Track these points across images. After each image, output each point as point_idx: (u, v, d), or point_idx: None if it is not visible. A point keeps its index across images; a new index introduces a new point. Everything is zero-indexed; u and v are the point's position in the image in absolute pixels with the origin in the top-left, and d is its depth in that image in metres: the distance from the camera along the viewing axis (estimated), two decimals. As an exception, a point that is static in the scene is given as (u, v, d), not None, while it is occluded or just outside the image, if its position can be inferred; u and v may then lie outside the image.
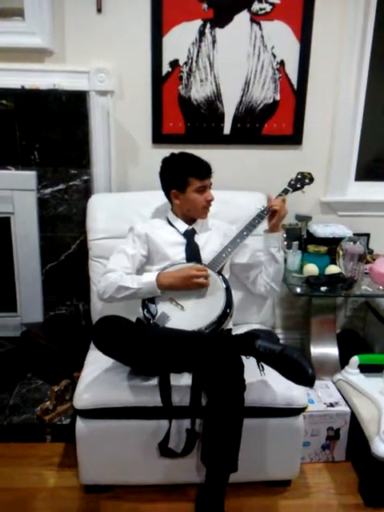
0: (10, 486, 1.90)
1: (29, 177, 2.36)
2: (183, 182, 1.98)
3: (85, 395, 1.76)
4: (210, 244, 2.05)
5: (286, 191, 2.10)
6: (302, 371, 1.59)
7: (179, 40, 2.34)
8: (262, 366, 1.70)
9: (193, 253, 2.01)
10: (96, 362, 1.89)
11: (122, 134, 2.43)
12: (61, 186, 2.38)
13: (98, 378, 1.82)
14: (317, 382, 2.14)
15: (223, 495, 1.70)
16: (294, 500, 1.88)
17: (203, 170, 1.98)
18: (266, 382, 1.78)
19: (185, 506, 1.81)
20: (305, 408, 1.81)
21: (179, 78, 2.39)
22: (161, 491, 1.87)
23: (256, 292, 2.15)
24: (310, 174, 2.17)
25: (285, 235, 2.43)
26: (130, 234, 2.06)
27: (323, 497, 1.90)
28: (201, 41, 2.35)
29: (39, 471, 1.97)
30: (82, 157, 2.35)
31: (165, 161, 2.06)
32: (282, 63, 2.40)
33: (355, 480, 1.97)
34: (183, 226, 2.07)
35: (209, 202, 2.02)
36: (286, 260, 2.33)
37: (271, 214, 1.99)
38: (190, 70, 2.38)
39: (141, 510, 1.81)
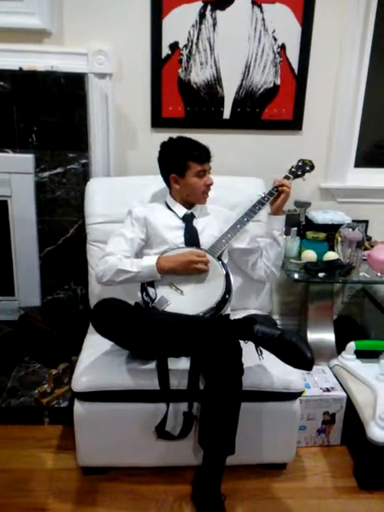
0: (7, 468, 1.91)
1: (26, 160, 2.33)
2: (182, 166, 1.96)
3: (83, 378, 1.76)
4: (208, 229, 2.04)
5: (286, 178, 2.10)
6: (300, 355, 1.60)
7: (179, 22, 2.31)
8: (261, 351, 1.70)
9: (191, 237, 2.01)
10: (94, 346, 1.89)
11: (120, 117, 2.41)
12: (59, 170, 2.36)
13: (96, 361, 1.82)
14: (313, 367, 2.18)
15: (220, 477, 1.72)
16: (290, 483, 1.90)
17: (203, 154, 1.97)
18: (263, 367, 1.78)
19: (182, 488, 1.83)
20: (301, 392, 1.82)
21: (179, 61, 2.36)
22: (158, 473, 1.89)
23: (255, 277, 2.15)
24: (310, 161, 2.17)
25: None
26: (128, 217, 2.04)
27: (318, 480, 1.93)
28: (201, 23, 2.32)
29: (37, 453, 1.98)
30: (80, 140, 2.33)
31: (163, 145, 2.04)
32: (282, 47, 2.37)
33: (350, 464, 1.99)
34: (182, 211, 2.06)
35: (208, 187, 2.01)
36: (284, 246, 2.34)
37: (277, 195, 1.99)
38: (190, 52, 2.35)
39: (138, 492, 1.83)
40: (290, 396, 1.80)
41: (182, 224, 2.03)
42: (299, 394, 1.81)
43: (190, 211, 2.06)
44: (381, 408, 1.85)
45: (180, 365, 1.77)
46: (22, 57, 2.24)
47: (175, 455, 1.84)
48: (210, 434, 1.68)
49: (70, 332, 2.27)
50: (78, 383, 1.76)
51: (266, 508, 1.79)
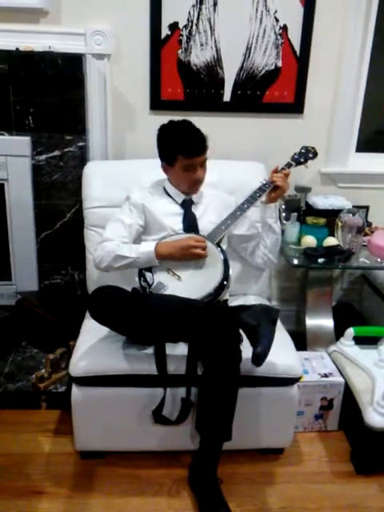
0: (5, 452, 1.92)
1: (23, 142, 2.30)
2: (171, 157, 1.91)
3: (81, 363, 1.76)
4: (207, 214, 2.02)
5: (289, 165, 2.06)
6: (255, 347, 1.61)
7: (179, 2, 2.26)
8: (242, 337, 1.71)
9: (190, 223, 1.98)
10: (91, 331, 1.88)
11: (118, 99, 2.37)
12: (56, 153, 2.33)
13: (94, 346, 1.82)
14: (311, 353, 2.20)
15: (217, 462, 1.73)
16: (287, 467, 1.91)
17: (194, 148, 1.87)
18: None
19: (179, 472, 1.84)
20: (299, 378, 1.82)
21: (178, 42, 2.32)
22: (155, 458, 1.89)
23: (254, 264, 2.14)
24: (313, 148, 2.13)
25: (283, 206, 2.41)
26: (126, 203, 2.02)
27: (315, 465, 1.93)
28: (201, 3, 2.27)
29: (34, 437, 1.99)
30: (77, 122, 2.30)
31: (160, 129, 1.97)
32: (284, 28, 2.32)
33: (347, 449, 1.99)
34: (180, 196, 2.03)
35: (196, 181, 1.95)
36: (284, 232, 2.33)
37: (273, 187, 1.96)
38: (190, 33, 2.31)
39: (135, 476, 1.84)
40: (288, 381, 1.80)
41: (180, 210, 2.01)
42: (297, 379, 1.81)
43: (188, 197, 2.03)
44: (379, 394, 1.85)
45: (178, 350, 1.77)
46: (18, 37, 2.20)
47: (172, 440, 1.85)
48: (207, 419, 1.68)
49: (68, 317, 2.27)
50: (75, 368, 1.75)
51: (263, 492, 1.79)
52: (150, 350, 1.77)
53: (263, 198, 1.99)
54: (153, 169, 2.13)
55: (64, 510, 1.70)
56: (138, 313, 1.71)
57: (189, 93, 2.39)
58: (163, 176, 2.08)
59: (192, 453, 1.82)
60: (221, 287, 1.81)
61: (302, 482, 1.85)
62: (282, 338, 1.90)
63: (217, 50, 2.34)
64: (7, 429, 2.02)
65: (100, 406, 1.79)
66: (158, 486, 1.80)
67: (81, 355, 1.78)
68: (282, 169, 2.03)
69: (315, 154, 2.13)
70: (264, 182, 2.00)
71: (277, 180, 1.95)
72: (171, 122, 1.96)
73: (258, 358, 1.60)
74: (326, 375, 2.03)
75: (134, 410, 1.79)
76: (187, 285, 1.83)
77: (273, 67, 2.38)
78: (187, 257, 1.85)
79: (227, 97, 2.41)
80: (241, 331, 1.70)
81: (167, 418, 1.76)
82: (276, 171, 2.00)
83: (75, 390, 1.77)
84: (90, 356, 1.78)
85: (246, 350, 1.68)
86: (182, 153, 1.87)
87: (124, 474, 1.84)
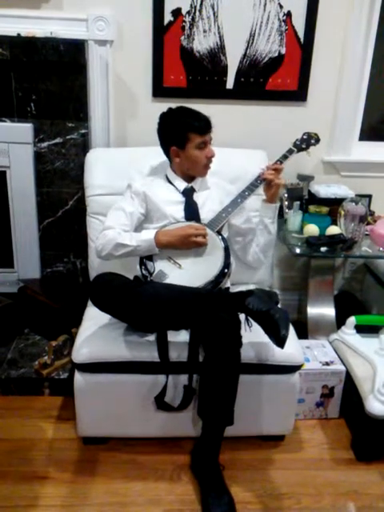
0: (8, 437, 1.94)
1: (25, 129, 2.29)
2: (183, 138, 1.91)
3: (83, 350, 1.77)
4: (209, 203, 2.02)
5: (290, 151, 2.06)
6: (276, 330, 1.60)
7: (182, -13, 2.24)
8: (251, 323, 1.70)
9: (192, 211, 1.98)
10: (94, 318, 1.89)
11: (121, 86, 2.36)
12: (58, 140, 2.32)
13: (97, 333, 1.83)
14: (313, 342, 2.21)
15: (219, 448, 1.74)
16: (288, 454, 1.93)
17: (203, 125, 1.91)
18: (263, 340, 1.77)
19: (181, 458, 1.86)
20: (301, 366, 1.83)
21: (181, 28, 2.30)
22: (157, 444, 1.91)
23: (244, 260, 2.13)
24: (316, 134, 2.12)
25: (286, 195, 2.40)
26: (127, 192, 2.02)
27: (316, 451, 1.95)
28: (205, -12, 2.25)
29: (37, 423, 2.00)
30: (79, 109, 2.28)
31: (162, 116, 1.98)
32: (288, 14, 2.30)
33: (347, 436, 2.01)
34: (182, 184, 2.03)
35: (210, 159, 1.97)
36: (286, 220, 2.34)
37: (267, 184, 1.96)
38: (193, 19, 2.28)
39: (137, 462, 1.85)
40: (290, 369, 1.81)
41: (182, 198, 2.00)
42: (298, 367, 1.82)
43: (190, 185, 2.03)
44: (379, 382, 1.86)
45: (180, 337, 1.78)
46: (19, 22, 2.18)
47: (174, 426, 1.86)
48: (208, 405, 1.68)
49: (70, 304, 2.27)
50: (78, 354, 1.76)
51: (264, 478, 1.81)
52: (152, 337, 1.78)
53: (263, 187, 1.99)
54: (155, 156, 2.13)
55: (66, 495, 1.72)
56: (139, 300, 1.71)
57: (191, 80, 2.37)
58: (165, 164, 2.08)
59: (194, 439, 1.84)
60: (221, 275, 1.82)
61: (303, 469, 1.86)
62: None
63: (220, 37, 2.32)
64: (10, 415, 2.04)
65: (102, 392, 1.80)
66: (160, 471, 1.82)
67: (83, 342, 1.80)
68: (275, 163, 2.02)
69: (317, 140, 2.12)
70: (265, 169, 1.99)
71: (267, 176, 1.95)
72: (171, 109, 1.98)
73: (284, 340, 1.60)
74: (327, 363, 2.04)
75: (137, 397, 1.80)
76: (188, 273, 1.84)
77: (276, 54, 2.36)
78: (187, 245, 1.85)
79: (230, 84, 2.39)
80: (249, 317, 1.69)
81: (169, 405, 1.77)
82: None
83: (78, 377, 1.79)
84: (92, 343, 1.79)
85: (248, 336, 1.69)
86: (194, 130, 1.89)
87: (126, 459, 1.86)
